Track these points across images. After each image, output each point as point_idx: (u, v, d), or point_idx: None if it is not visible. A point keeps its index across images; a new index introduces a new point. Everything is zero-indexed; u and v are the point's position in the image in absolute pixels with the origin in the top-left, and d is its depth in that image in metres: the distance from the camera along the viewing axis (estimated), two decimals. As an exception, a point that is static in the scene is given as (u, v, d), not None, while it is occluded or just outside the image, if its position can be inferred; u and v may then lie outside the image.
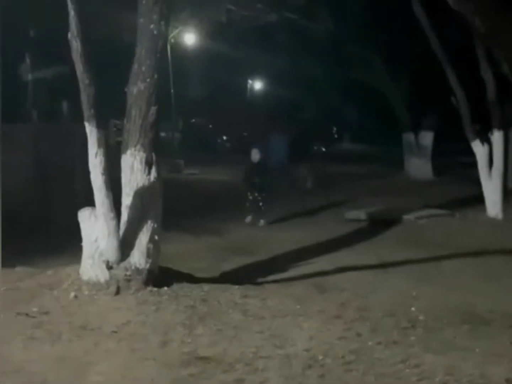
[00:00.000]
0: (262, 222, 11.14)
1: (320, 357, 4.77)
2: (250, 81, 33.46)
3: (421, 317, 5.74)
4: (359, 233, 10.04)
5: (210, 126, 27.61)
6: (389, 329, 5.41)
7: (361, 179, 17.16)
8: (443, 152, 19.50)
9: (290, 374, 4.51)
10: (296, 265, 7.78)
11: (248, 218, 11.16)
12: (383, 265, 7.77)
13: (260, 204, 11.33)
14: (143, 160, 6.04)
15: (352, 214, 11.37)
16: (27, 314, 5.56)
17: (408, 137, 19.16)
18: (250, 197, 11.32)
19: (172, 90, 19.80)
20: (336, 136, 29.35)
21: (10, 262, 7.06)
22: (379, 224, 10.49)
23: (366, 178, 17.36)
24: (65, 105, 14.71)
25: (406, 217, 11.04)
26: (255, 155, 11.50)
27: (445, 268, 7.70)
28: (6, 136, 10.44)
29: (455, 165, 19.49)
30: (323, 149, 25.76)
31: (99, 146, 5.72)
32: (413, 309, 5.98)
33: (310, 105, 27.48)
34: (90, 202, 6.03)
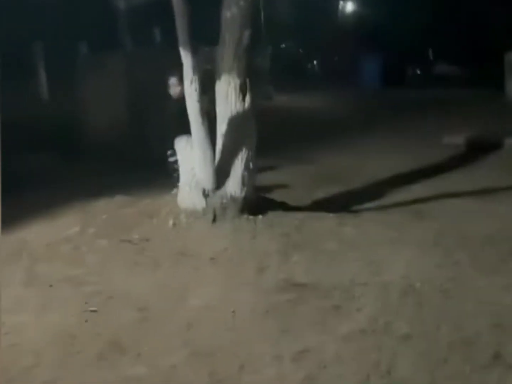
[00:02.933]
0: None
1: (418, 285, 4.73)
2: (341, 2, 32.51)
3: (523, 246, 5.57)
4: (457, 159, 9.73)
5: (300, 51, 27.16)
6: (489, 257, 5.28)
7: (459, 103, 16.55)
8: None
9: (387, 301, 4.51)
10: (391, 192, 7.65)
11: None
12: (483, 192, 7.52)
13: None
14: (237, 87, 6.00)
15: (449, 139, 11.02)
16: (129, 241, 5.77)
17: (511, 56, 18.16)
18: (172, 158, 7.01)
19: (262, 15, 19.52)
20: (431, 58, 28.26)
21: (108, 191, 7.28)
22: (478, 150, 10.14)
23: (464, 102, 16.73)
24: (157, 32, 14.62)
25: (508, 141, 10.60)
26: (175, 87, 7.40)
27: (550, 195, 7.37)
28: (100, 65, 10.63)
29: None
30: (418, 72, 24.95)
31: (194, 73, 5.72)
32: (515, 237, 5.80)
33: (404, 26, 26.47)
34: (186, 131, 6.12)
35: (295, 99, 19.20)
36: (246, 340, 4.14)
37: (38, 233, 6.15)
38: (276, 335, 4.15)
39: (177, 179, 6.59)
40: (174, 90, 7.49)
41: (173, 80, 7.49)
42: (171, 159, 6.90)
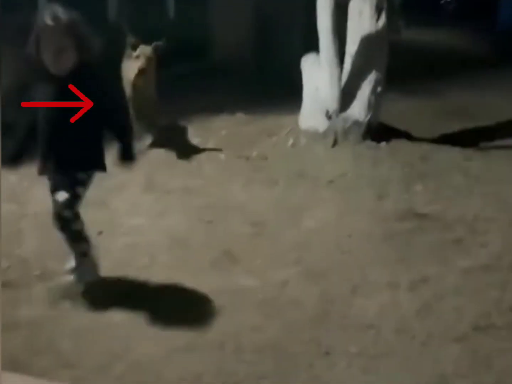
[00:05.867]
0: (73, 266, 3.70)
1: (549, 225, 4.44)
2: None
3: None
4: None
5: (435, -16, 25.89)
6: None
7: None
8: None
9: (514, 239, 4.27)
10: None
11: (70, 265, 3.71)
12: None
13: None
14: (373, 5, 5.72)
15: None
16: (247, 158, 5.74)
17: None
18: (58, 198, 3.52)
19: None
20: None
21: (230, 108, 7.24)
22: None
23: None
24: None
25: None
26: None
27: None
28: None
29: None
30: None
31: None
32: None
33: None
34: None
35: (425, 34, 18.36)
36: (360, 264, 4.04)
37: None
38: (393, 263, 4.03)
39: None
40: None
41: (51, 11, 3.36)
42: None
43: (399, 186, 5.15)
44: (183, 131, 6.31)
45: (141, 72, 5.55)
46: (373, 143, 5.83)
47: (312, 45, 5.98)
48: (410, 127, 6.86)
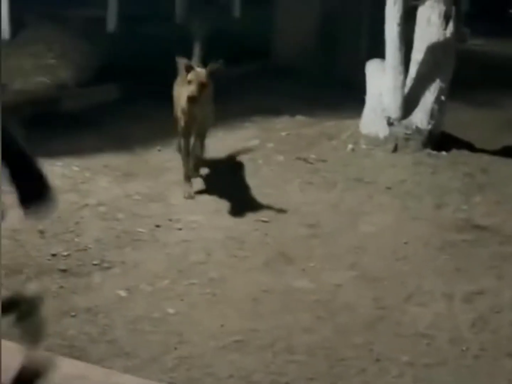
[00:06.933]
0: None
1: None
2: None
3: None
4: None
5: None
6: None
7: None
8: None
9: None
10: None
11: None
12: None
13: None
14: (442, 13, 5.65)
15: None
16: (305, 160, 5.74)
17: None
18: None
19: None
20: None
21: (291, 110, 7.26)
22: None
23: None
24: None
25: None
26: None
27: None
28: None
29: None
30: None
31: None
32: None
33: None
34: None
35: (491, 45, 18.02)
36: (416, 272, 4.02)
37: (218, 140, 6.24)
38: (449, 273, 3.99)
39: None
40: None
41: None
42: None
43: (458, 196, 5.08)
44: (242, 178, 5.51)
45: (191, 99, 4.79)
46: (434, 152, 5.77)
47: (378, 50, 5.95)
48: (472, 137, 6.76)
